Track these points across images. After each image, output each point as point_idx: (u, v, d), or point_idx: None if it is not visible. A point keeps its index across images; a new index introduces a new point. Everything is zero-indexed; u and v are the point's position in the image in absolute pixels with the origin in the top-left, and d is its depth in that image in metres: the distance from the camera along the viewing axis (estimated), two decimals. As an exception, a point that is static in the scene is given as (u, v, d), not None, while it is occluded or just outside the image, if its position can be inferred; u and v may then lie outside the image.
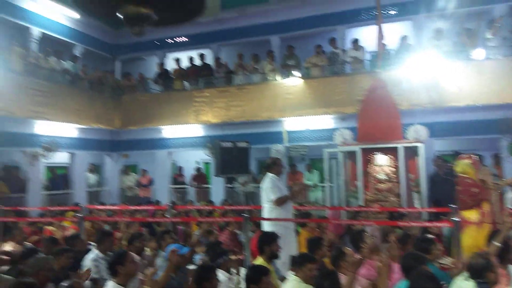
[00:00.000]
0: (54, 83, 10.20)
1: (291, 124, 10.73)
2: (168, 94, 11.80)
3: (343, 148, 8.04)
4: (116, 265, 3.35)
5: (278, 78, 10.76)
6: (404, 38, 10.00)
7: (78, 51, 12.04)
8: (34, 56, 10.13)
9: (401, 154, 7.31)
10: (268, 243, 4.06)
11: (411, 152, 7.56)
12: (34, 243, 6.05)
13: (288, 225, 5.23)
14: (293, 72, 10.56)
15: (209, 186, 11.80)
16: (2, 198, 8.93)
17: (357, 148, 7.68)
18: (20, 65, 9.38)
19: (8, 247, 5.58)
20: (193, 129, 11.71)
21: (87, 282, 4.16)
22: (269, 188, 5.21)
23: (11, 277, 3.82)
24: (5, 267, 4.29)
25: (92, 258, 4.44)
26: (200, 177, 12.04)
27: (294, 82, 10.48)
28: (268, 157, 10.96)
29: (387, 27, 8.85)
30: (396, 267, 3.48)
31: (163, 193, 11.94)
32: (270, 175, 5.34)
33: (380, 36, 8.03)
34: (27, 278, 3.36)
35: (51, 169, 11.49)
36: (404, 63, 9.26)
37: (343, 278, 3.40)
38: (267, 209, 5.28)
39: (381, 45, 8.23)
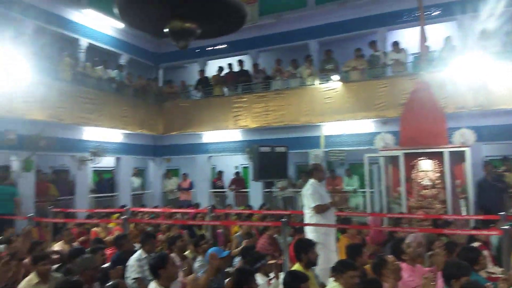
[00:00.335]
0: (101, 91, 10.69)
1: (330, 128, 10.62)
2: (208, 100, 12.05)
3: (385, 153, 7.83)
4: (158, 268, 3.44)
5: (316, 82, 10.69)
6: (448, 39, 9.64)
7: (123, 60, 12.57)
8: (82, 66, 10.67)
9: (446, 159, 7.02)
10: (305, 251, 4.03)
11: (458, 157, 7.24)
12: (82, 244, 6.35)
13: (329, 232, 5.17)
14: (331, 76, 10.45)
15: (247, 190, 11.88)
16: (52, 201, 9.43)
17: (399, 153, 7.45)
18: (69, 75, 9.90)
19: (58, 247, 5.89)
20: (232, 134, 11.86)
21: (132, 282, 4.32)
22: (309, 195, 5.17)
23: (61, 274, 4.04)
24: (55, 266, 4.53)
25: (136, 258, 4.60)
26: (239, 182, 12.16)
27: (332, 86, 10.37)
28: (307, 162, 10.95)
29: (430, 28, 8.58)
30: (439, 275, 3.36)
31: (203, 196, 12.15)
32: (311, 181, 5.31)
33: (423, 37, 7.79)
34: (75, 276, 3.54)
35: (98, 173, 12.03)
36: (449, 65, 8.92)
37: (384, 286, 3.31)
38: (307, 215, 5.25)
39: (424, 47, 7.98)
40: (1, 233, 6.42)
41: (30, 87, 8.35)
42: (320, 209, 5.08)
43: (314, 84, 10.70)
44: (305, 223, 5.38)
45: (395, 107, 9.05)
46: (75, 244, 6.08)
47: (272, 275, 4.11)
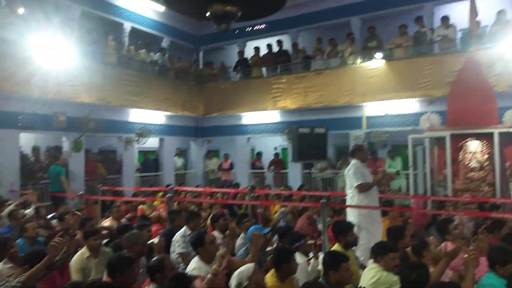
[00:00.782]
0: (144, 73, 10.98)
1: (372, 109, 10.34)
2: (247, 81, 12.07)
3: (430, 134, 7.55)
4: (197, 245, 3.59)
5: (358, 61, 10.38)
6: (501, 13, 8.99)
7: (165, 43, 12.80)
8: (126, 49, 10.98)
9: (496, 140, 6.67)
10: (343, 233, 4.03)
11: (508, 138, 6.86)
12: (129, 220, 6.67)
13: (372, 214, 5.05)
14: (374, 54, 10.11)
15: (286, 171, 11.91)
16: (100, 179, 9.94)
17: (446, 133, 7.15)
18: (114, 58, 10.24)
19: (107, 223, 6.23)
20: (271, 116, 11.86)
21: (176, 256, 4.51)
22: (352, 174, 5.09)
23: (110, 249, 4.29)
24: (105, 241, 4.80)
25: (181, 234, 4.81)
26: (278, 163, 12.20)
27: (375, 64, 10.04)
28: (347, 143, 10.79)
29: (481, 2, 8.04)
30: (484, 259, 3.25)
31: (242, 177, 12.33)
32: (354, 161, 5.22)
33: (473, 11, 7.33)
34: (123, 251, 3.75)
35: (143, 153, 12.50)
36: (500, 41, 8.36)
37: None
38: (349, 195, 5.18)
39: (474, 22, 7.51)
40: (54, 209, 6.87)
41: (77, 70, 8.73)
42: (363, 188, 4.98)
43: (355, 63, 10.41)
44: (345, 205, 5.34)
45: (442, 86, 8.65)
46: (123, 220, 6.39)
47: (311, 255, 4.15)
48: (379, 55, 10.03)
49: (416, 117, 8.83)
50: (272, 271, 3.39)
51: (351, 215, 5.09)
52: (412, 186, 8.55)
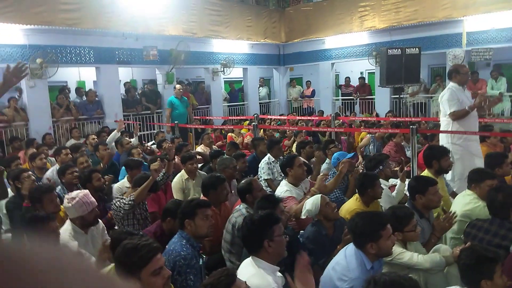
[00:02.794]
0: (225, 1, 10.89)
1: (474, 23, 9.15)
2: (331, 1, 11.33)
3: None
4: (287, 167, 3.76)
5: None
6: None
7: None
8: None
9: None
10: (437, 157, 3.83)
11: None
12: (219, 147, 7.13)
13: (469, 144, 4.53)
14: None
15: (373, 97, 11.44)
16: (193, 109, 10.56)
17: None
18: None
19: (200, 149, 6.73)
20: (357, 38, 11.17)
21: (263, 182, 4.80)
22: (446, 100, 4.56)
23: (205, 172, 4.69)
24: (200, 165, 5.24)
25: (265, 161, 5.10)
26: (364, 88, 11.72)
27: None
28: (443, 63, 9.88)
29: None
30: None
31: (326, 104, 12.16)
32: (451, 84, 4.66)
33: None
34: (217, 174, 4.07)
35: (230, 83, 12.86)
36: None
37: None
38: (444, 124, 4.71)
39: None
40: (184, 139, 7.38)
41: (162, 3, 8.97)
42: (457, 115, 4.50)
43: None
44: (437, 130, 5.05)
45: None
46: (214, 147, 6.85)
47: (396, 181, 4.11)
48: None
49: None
50: (356, 195, 3.45)
51: (443, 144, 4.60)
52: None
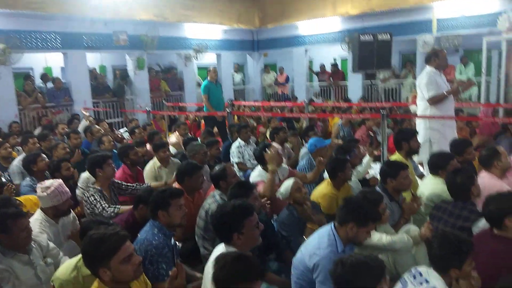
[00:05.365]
0: (197, -15, 10.65)
1: (443, 9, 9.32)
2: (304, -14, 11.26)
3: (509, 36, 6.79)
4: (261, 155, 3.77)
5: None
6: None
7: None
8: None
9: None
10: (406, 139, 3.93)
11: None
12: (195, 135, 7.06)
13: (444, 129, 4.61)
14: None
15: (346, 83, 11.56)
16: (165, 96, 10.40)
17: (527, 34, 6.40)
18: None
19: (173, 137, 6.64)
20: (330, 24, 11.19)
21: (235, 166, 4.81)
22: (424, 84, 4.61)
23: (177, 160, 4.65)
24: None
25: (236, 145, 5.22)
26: (337, 74, 11.82)
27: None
28: (413, 49, 10.05)
29: None
30: None
31: (300, 90, 12.21)
32: (429, 68, 4.69)
33: None
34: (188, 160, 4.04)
35: (202, 69, 12.70)
36: None
37: (494, 179, 3.18)
38: (422, 108, 4.75)
39: None
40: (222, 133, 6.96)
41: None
42: (436, 100, 4.56)
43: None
44: (407, 115, 5.17)
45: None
46: (189, 135, 6.77)
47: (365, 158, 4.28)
48: None
49: (493, 17, 7.88)
50: (328, 180, 3.50)
51: (421, 129, 4.71)
52: (483, 94, 7.97)
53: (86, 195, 3.45)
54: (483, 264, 1.95)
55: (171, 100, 10.55)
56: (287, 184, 3.13)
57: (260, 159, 3.90)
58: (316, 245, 2.30)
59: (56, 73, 10.65)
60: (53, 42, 8.30)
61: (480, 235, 2.40)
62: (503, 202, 2.23)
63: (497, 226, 2.25)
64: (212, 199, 3.17)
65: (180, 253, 2.66)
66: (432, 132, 4.64)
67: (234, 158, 5.16)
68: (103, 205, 3.35)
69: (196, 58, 11.11)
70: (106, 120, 7.73)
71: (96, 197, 3.39)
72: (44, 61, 11.14)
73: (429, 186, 3.32)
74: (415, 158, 4.50)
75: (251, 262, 1.68)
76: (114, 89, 9.81)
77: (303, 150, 5.13)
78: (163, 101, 9.63)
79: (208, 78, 7.53)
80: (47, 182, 2.95)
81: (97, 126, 6.51)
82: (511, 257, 2.12)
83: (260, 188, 3.39)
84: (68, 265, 2.21)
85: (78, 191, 3.99)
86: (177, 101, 10.69)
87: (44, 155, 4.22)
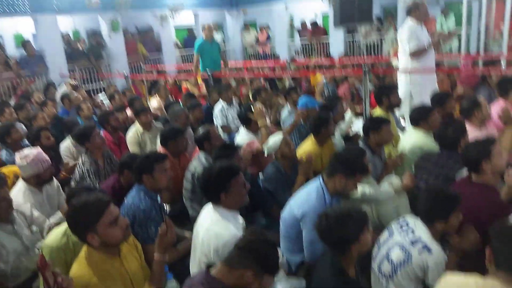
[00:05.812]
0: None
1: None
2: None
3: (489, -16, 6.72)
4: (246, 115, 3.78)
5: None
6: None
7: None
8: None
9: None
10: (386, 94, 3.96)
11: None
12: (176, 98, 6.94)
13: (425, 82, 4.64)
14: None
15: (327, 40, 11.40)
16: (142, 59, 10.11)
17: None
18: None
19: (154, 102, 6.52)
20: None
21: (219, 129, 4.80)
22: (405, 38, 4.59)
23: (160, 124, 4.60)
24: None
25: (219, 108, 5.15)
26: (318, 30, 11.63)
27: None
28: (394, 2, 9.90)
29: None
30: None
31: (282, 48, 12.01)
32: (410, 22, 4.66)
33: None
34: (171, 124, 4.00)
35: (180, 30, 12.30)
36: None
37: (474, 129, 3.24)
38: (403, 61, 4.76)
39: None
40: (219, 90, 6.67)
41: None
42: (417, 53, 4.56)
43: None
44: (389, 70, 5.17)
45: None
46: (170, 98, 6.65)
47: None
48: None
49: (475, -35, 7.75)
50: (311, 137, 3.53)
51: (402, 83, 4.77)
52: (464, 46, 7.98)
53: (80, 167, 3.41)
54: (462, 209, 2.01)
55: (150, 63, 10.27)
56: (276, 138, 3.18)
57: (245, 121, 3.89)
58: (305, 198, 2.38)
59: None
60: (21, 6, 7.88)
61: (459, 182, 2.48)
62: (480, 147, 2.29)
63: (475, 171, 2.32)
64: (198, 161, 3.17)
65: (168, 216, 2.68)
66: (413, 86, 4.68)
67: (218, 121, 5.10)
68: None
69: (173, 17, 10.72)
70: (83, 86, 7.51)
71: (90, 173, 3.35)
72: (15, 28, 10.62)
73: (411, 139, 3.38)
74: (397, 112, 4.58)
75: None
76: (88, 52, 9.45)
77: (285, 113, 5.06)
78: (141, 64, 9.35)
79: (203, 36, 7.12)
80: (26, 151, 2.91)
81: (75, 93, 6.34)
82: (488, 201, 2.20)
83: (256, 145, 3.37)
84: (58, 232, 2.22)
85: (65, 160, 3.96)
86: (156, 63, 10.42)
87: (19, 125, 4.12)
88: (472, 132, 3.19)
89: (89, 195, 1.82)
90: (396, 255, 2.00)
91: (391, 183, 2.87)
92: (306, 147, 3.50)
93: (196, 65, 6.95)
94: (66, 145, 4.16)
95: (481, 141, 2.35)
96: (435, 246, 1.95)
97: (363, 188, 2.73)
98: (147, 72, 9.02)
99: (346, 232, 1.78)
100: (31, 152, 2.89)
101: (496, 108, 3.62)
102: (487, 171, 2.25)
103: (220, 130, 4.91)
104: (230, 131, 4.98)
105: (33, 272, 2.38)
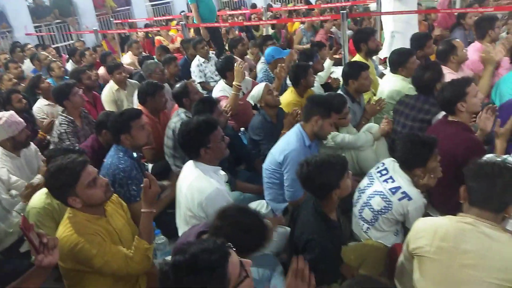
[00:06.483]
0: None
1: None
2: None
3: None
4: (225, 70, 3.76)
5: None
6: None
7: None
8: None
9: None
10: (364, 39, 3.91)
11: None
12: (150, 52, 6.71)
13: (409, 19, 4.67)
14: None
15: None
16: (111, 13, 9.63)
17: None
18: None
19: (127, 57, 6.30)
20: None
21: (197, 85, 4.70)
22: None
23: (135, 80, 4.48)
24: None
25: (196, 64, 4.98)
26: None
27: None
28: None
29: None
30: (506, 60, 3.19)
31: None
32: None
33: None
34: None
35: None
36: None
37: (450, 72, 3.25)
38: (386, 2, 4.81)
39: None
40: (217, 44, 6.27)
41: None
42: None
43: None
44: (367, 13, 5.07)
45: None
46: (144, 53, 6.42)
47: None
48: None
49: None
50: (291, 88, 3.50)
51: (387, 21, 4.83)
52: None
53: (57, 129, 3.31)
54: (439, 149, 2.05)
55: (119, 17, 9.80)
56: (259, 87, 3.15)
57: (223, 73, 3.81)
58: (285, 143, 2.48)
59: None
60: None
61: (436, 123, 2.53)
62: (455, 88, 2.31)
63: (450, 112, 2.36)
64: (177, 117, 3.13)
65: (152, 174, 2.67)
66: (396, 23, 4.67)
67: (196, 78, 4.94)
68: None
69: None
70: (51, 46, 7.16)
71: (68, 134, 3.26)
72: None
73: (389, 83, 3.38)
74: (380, 54, 4.59)
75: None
76: (54, 7, 8.89)
77: (260, 65, 4.93)
78: (110, 18, 8.91)
79: None
80: (-3, 114, 2.80)
81: (44, 53, 6.05)
82: (464, 139, 2.25)
83: (224, 103, 3.35)
84: (40, 194, 2.22)
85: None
86: (126, 17, 9.95)
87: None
88: (449, 76, 3.21)
89: (64, 159, 1.78)
90: (377, 203, 2.08)
91: (371, 129, 2.91)
92: (286, 98, 3.47)
93: (196, 15, 6.35)
94: (39, 105, 4.04)
95: (456, 82, 2.37)
96: (414, 192, 2.01)
97: (343, 136, 2.77)
98: (117, 27, 8.63)
99: (326, 179, 1.82)
100: (3, 114, 2.78)
101: (472, 50, 3.63)
102: (462, 111, 2.30)
103: (198, 85, 4.80)
104: (209, 89, 4.77)
105: (20, 237, 2.38)
